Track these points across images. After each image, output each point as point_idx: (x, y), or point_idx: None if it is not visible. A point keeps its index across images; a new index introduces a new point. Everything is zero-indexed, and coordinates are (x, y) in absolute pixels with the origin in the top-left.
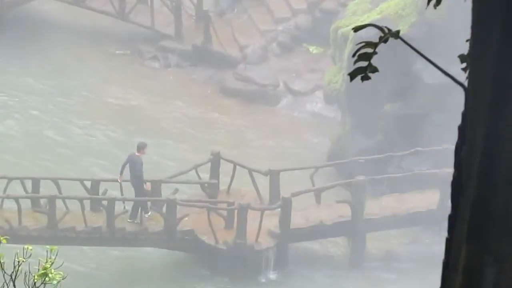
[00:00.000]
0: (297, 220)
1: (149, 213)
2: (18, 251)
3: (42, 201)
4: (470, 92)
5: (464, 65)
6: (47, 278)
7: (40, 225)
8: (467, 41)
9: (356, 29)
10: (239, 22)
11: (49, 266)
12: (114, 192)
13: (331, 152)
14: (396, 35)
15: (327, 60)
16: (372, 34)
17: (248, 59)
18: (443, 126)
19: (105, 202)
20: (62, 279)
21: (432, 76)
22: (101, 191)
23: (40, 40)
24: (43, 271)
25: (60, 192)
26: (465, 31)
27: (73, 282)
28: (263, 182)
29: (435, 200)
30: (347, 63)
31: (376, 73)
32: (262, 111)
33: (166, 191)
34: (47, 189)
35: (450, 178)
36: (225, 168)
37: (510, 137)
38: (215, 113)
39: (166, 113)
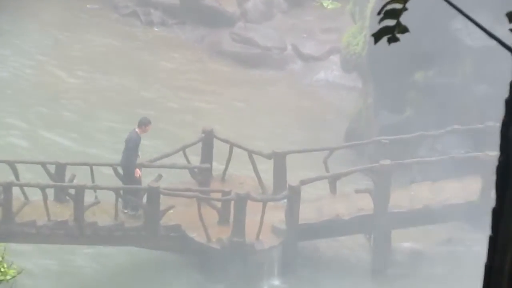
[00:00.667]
0: (307, 213)
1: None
2: None
3: None
4: None
5: None
6: None
7: None
8: None
9: None
10: None
11: None
12: (83, 178)
13: (349, 131)
14: None
15: (345, 17)
16: None
17: (248, 16)
18: (487, 99)
19: (72, 191)
20: (16, 275)
21: (473, 38)
22: (67, 177)
23: None
24: None
25: (17, 178)
26: None
27: None
28: (266, 167)
29: (476, 190)
30: (370, 22)
31: (406, 34)
32: (265, 80)
33: (146, 178)
34: (1, 174)
35: (495, 163)
36: (219, 150)
37: None
38: (208, 82)
39: (146, 82)
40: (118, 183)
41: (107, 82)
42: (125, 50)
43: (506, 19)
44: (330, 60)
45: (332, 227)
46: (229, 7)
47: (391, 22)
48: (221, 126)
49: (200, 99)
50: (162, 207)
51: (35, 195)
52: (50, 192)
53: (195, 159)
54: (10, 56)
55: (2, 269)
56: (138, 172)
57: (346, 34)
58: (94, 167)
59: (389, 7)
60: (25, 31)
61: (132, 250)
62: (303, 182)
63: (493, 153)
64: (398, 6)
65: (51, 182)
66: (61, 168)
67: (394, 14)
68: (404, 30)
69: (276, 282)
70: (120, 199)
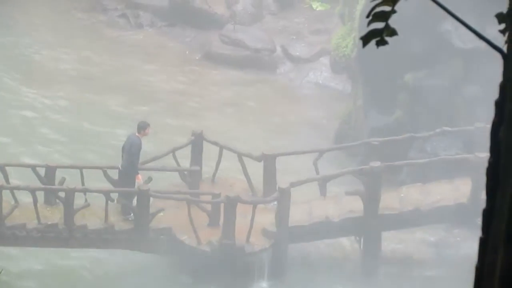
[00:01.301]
0: (298, 216)
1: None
2: None
3: None
4: (511, 59)
5: (502, 26)
6: None
7: None
8: None
9: None
10: None
11: None
12: (74, 181)
13: (339, 133)
14: None
15: (335, 19)
16: None
17: (237, 18)
18: (477, 100)
19: (62, 194)
20: None
21: (463, 39)
22: (57, 180)
23: None
24: None
25: (7, 181)
26: None
27: None
28: (256, 170)
29: (466, 191)
30: (359, 23)
31: (395, 36)
32: (255, 82)
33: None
34: None
35: (485, 165)
36: (209, 152)
37: None
38: (197, 84)
39: (136, 84)
40: (108, 186)
41: (93, 84)
42: (114, 53)
43: (495, 21)
44: (320, 62)
45: (322, 229)
46: (218, 9)
47: (380, 25)
48: (211, 128)
49: (189, 101)
50: (151, 210)
51: (25, 198)
52: (40, 195)
53: (185, 162)
54: None
55: None
56: (139, 177)
57: (336, 36)
58: (84, 170)
59: (378, 9)
60: (11, 31)
61: (122, 252)
62: (293, 184)
63: (483, 155)
64: (387, 8)
65: (41, 185)
66: (51, 170)
67: (383, 16)
68: (393, 33)
69: (266, 284)
70: (118, 205)
